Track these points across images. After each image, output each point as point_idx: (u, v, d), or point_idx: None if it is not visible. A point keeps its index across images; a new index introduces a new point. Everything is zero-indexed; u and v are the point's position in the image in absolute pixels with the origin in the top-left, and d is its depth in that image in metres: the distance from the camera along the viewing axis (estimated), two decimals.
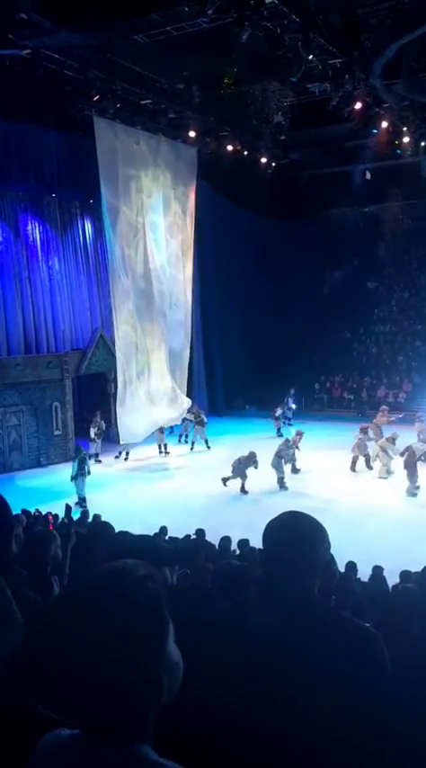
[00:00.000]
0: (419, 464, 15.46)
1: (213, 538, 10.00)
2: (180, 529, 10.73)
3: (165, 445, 21.08)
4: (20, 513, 10.22)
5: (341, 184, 27.29)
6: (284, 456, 16.35)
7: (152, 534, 8.41)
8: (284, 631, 1.80)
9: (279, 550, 1.95)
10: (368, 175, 26.49)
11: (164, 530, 10.55)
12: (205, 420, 21.55)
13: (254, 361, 27.53)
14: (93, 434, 19.74)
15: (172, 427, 22.03)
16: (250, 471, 15.90)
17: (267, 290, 27.07)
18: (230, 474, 16.15)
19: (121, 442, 19.19)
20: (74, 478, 15.76)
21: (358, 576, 8.29)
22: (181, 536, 10.07)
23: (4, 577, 1.79)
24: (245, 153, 22.60)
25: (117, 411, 19.19)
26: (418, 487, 15.22)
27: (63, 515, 9.64)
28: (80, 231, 22.17)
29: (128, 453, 19.81)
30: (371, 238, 30.56)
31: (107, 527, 5.72)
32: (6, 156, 18.70)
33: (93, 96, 16.84)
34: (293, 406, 23.76)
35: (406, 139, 21.33)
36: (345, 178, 27.11)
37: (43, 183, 20.13)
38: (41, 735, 1.37)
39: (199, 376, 25.87)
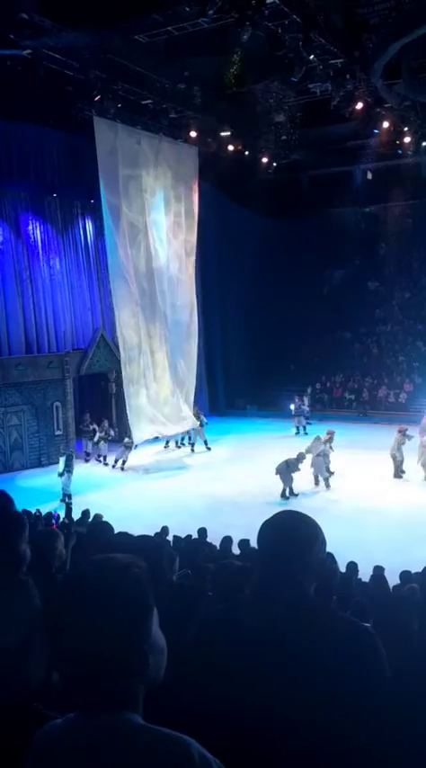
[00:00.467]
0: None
1: (214, 538, 10.00)
2: (181, 529, 10.71)
3: (179, 441, 21.29)
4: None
5: (343, 184, 27.33)
6: (325, 454, 15.81)
7: (153, 534, 8.40)
8: (277, 630, 1.80)
9: (271, 550, 1.95)
10: (369, 175, 26.51)
11: (165, 530, 10.55)
12: (205, 421, 21.56)
13: (255, 361, 27.54)
14: (97, 438, 19.73)
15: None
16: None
17: (268, 289, 27.07)
18: (281, 483, 15.13)
19: (135, 443, 19.11)
20: (61, 475, 16.03)
21: (359, 577, 8.29)
22: (182, 536, 10.07)
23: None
24: (246, 153, 22.62)
25: (127, 414, 19.23)
26: None
27: (63, 516, 9.66)
28: (81, 231, 22.16)
29: (124, 462, 19.06)
30: (372, 238, 30.56)
31: (106, 527, 5.72)
32: (7, 155, 18.72)
33: (95, 96, 16.84)
34: (305, 408, 23.41)
35: (407, 139, 21.36)
36: (346, 178, 27.16)
37: (44, 182, 20.14)
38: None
39: (199, 376, 25.81)
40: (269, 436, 22.59)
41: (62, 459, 16.27)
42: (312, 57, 15.10)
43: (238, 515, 13.35)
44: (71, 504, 14.16)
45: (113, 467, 19.02)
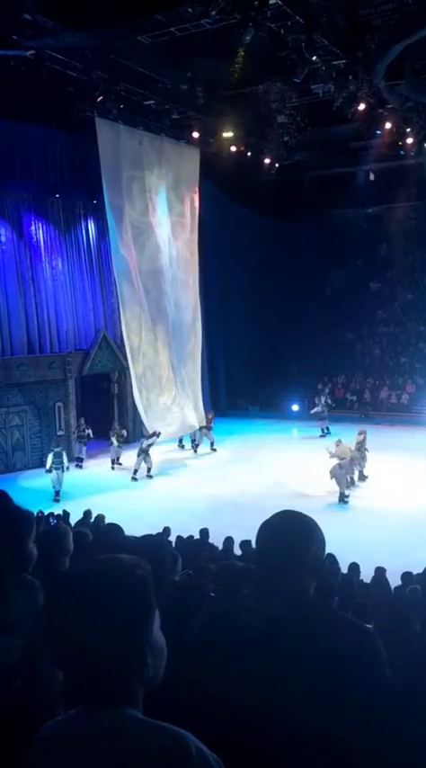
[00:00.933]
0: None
1: (216, 539, 10.00)
2: (183, 530, 10.73)
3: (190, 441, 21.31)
4: None
5: (345, 185, 27.26)
6: (349, 464, 15.67)
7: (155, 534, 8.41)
8: (277, 630, 1.80)
9: (268, 550, 1.95)
10: (372, 176, 26.47)
11: (167, 530, 10.55)
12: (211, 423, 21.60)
13: (257, 361, 27.53)
14: (113, 440, 19.29)
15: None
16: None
17: (270, 290, 27.05)
18: (338, 488, 15.08)
19: (150, 431, 18.81)
20: (48, 471, 16.09)
21: (360, 578, 8.29)
22: (184, 537, 10.08)
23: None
24: (249, 154, 22.60)
25: (140, 414, 19.33)
26: None
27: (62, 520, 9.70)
28: (83, 231, 22.16)
29: (149, 469, 18.26)
30: (375, 239, 30.54)
31: (116, 529, 5.73)
32: (10, 156, 18.75)
33: (97, 97, 16.85)
34: (318, 409, 23.13)
35: (410, 140, 21.32)
36: (349, 179, 27.09)
37: (47, 183, 20.16)
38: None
39: (201, 376, 25.86)
40: (270, 437, 22.59)
41: (50, 456, 16.32)
42: (314, 58, 15.08)
43: (240, 516, 13.34)
44: (58, 500, 14.51)
45: (134, 479, 17.75)
